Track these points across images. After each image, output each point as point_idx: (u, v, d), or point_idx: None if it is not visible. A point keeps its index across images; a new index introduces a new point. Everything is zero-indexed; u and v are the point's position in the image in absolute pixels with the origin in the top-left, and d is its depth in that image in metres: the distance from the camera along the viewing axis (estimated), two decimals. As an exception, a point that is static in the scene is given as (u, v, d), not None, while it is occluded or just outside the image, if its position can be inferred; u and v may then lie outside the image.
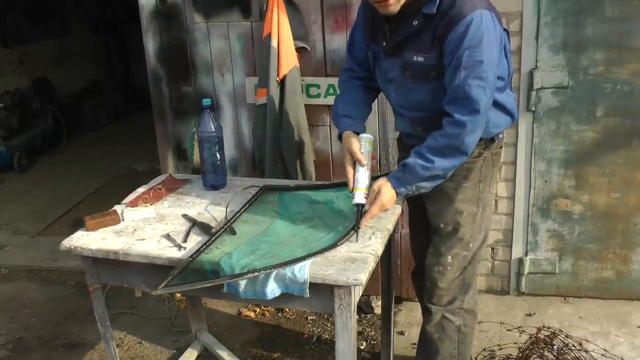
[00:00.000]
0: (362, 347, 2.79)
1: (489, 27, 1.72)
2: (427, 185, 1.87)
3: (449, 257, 2.06)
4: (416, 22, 1.78)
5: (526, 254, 3.01)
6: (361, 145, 1.93)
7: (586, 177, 2.85)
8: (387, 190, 1.86)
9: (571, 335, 2.52)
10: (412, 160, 1.83)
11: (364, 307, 3.02)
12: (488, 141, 1.97)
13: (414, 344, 2.73)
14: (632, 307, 2.94)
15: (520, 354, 2.45)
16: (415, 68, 1.83)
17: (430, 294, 2.12)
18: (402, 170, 1.86)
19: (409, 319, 2.95)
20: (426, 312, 2.17)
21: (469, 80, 1.72)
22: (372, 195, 1.87)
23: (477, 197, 2.02)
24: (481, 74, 1.73)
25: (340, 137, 2.06)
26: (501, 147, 2.08)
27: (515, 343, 2.57)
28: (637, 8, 2.58)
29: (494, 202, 2.12)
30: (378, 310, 2.96)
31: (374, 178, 2.32)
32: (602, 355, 2.55)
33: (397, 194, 1.87)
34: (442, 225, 2.04)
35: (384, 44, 1.89)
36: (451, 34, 1.72)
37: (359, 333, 2.87)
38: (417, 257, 2.34)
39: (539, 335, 2.48)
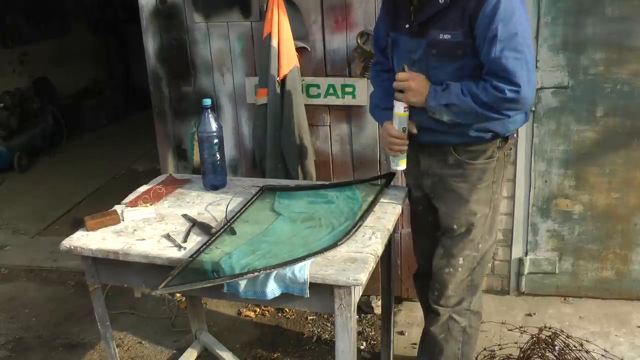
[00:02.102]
0: (362, 347, 2.79)
1: (517, 3, 1.76)
2: (448, 115, 1.84)
3: (460, 259, 2.05)
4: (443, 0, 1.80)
5: (526, 254, 3.01)
6: (400, 127, 1.96)
7: (586, 177, 2.85)
8: (422, 82, 1.86)
9: (572, 335, 2.52)
10: (456, 85, 1.82)
11: (364, 307, 3.02)
12: (502, 140, 1.97)
13: (414, 344, 2.73)
14: (632, 307, 2.94)
15: (522, 354, 2.45)
16: (441, 46, 1.83)
17: (439, 295, 2.11)
18: (444, 88, 1.84)
19: (409, 319, 2.95)
20: (431, 313, 2.16)
21: (505, 52, 1.73)
22: (404, 77, 1.88)
23: (489, 199, 2.02)
24: (517, 46, 1.74)
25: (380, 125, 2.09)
26: (511, 149, 2.08)
27: (515, 342, 2.57)
28: (637, 8, 2.58)
29: (502, 203, 2.12)
30: (378, 310, 2.96)
31: (374, 178, 2.34)
32: (603, 356, 2.55)
33: (427, 100, 1.86)
34: (455, 227, 2.03)
35: (407, 26, 1.91)
36: (483, 8, 1.73)
37: (359, 333, 2.87)
38: (422, 260, 2.33)
39: (540, 335, 2.48)
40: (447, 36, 1.81)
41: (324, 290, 1.68)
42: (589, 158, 2.82)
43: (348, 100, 2.76)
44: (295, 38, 2.66)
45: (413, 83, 1.87)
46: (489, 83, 1.77)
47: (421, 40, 1.87)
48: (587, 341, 2.55)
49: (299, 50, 2.70)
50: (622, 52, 2.65)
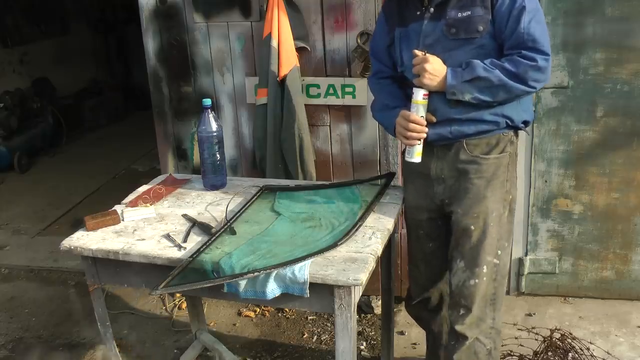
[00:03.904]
0: (362, 347, 2.79)
1: None
2: (474, 93, 1.79)
3: (484, 267, 1.95)
4: None
5: (526, 254, 3.01)
6: (418, 115, 1.88)
7: (586, 177, 2.85)
8: (439, 65, 1.81)
9: (576, 337, 2.51)
10: (476, 61, 1.79)
11: (364, 307, 3.02)
12: (514, 134, 1.95)
13: (414, 344, 2.73)
14: (632, 307, 2.94)
15: (535, 358, 2.45)
16: (461, 24, 1.82)
17: (464, 314, 1.98)
18: (464, 66, 1.80)
19: (409, 319, 2.93)
20: (453, 339, 2.03)
21: (533, 23, 1.75)
22: (419, 58, 1.82)
23: (503, 198, 1.96)
24: (541, 20, 1.79)
25: (392, 127, 1.98)
26: (516, 152, 2.02)
27: (516, 338, 2.57)
28: (637, 8, 2.58)
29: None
30: (378, 310, 2.96)
31: (374, 178, 2.34)
32: (604, 359, 2.55)
33: (446, 81, 1.80)
34: (472, 227, 1.94)
35: (418, 13, 1.89)
36: None
37: (359, 333, 2.87)
38: (417, 288, 2.25)
39: (552, 339, 2.48)
40: (466, 13, 1.81)
41: (324, 290, 1.68)
42: (589, 158, 2.82)
43: (348, 100, 2.76)
44: (295, 38, 2.66)
45: (429, 65, 1.80)
46: (516, 54, 1.76)
47: (437, 23, 1.85)
48: (590, 343, 2.54)
49: (299, 50, 2.70)
50: (622, 52, 2.65)
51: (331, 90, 2.76)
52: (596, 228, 2.91)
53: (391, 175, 2.26)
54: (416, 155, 1.91)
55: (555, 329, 2.54)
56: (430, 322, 2.30)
